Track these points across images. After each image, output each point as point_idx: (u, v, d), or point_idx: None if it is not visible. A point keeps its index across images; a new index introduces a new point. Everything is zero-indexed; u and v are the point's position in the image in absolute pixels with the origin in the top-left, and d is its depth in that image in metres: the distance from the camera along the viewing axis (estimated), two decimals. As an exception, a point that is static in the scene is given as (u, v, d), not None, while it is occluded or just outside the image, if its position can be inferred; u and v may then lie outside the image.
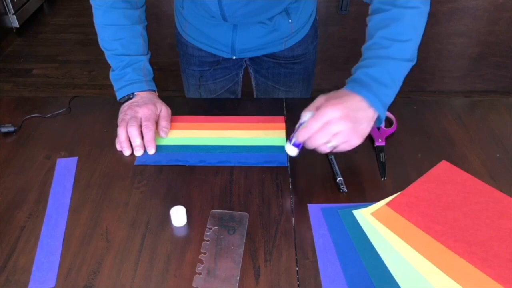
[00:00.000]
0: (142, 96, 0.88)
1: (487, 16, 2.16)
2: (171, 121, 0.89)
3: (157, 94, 0.92)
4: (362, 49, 0.76)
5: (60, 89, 2.58)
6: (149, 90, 0.89)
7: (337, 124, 0.66)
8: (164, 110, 0.88)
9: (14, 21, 2.98)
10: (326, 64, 2.33)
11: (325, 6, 2.14)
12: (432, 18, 2.15)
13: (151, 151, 0.81)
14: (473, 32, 2.22)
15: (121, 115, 0.85)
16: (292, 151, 0.73)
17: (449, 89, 2.43)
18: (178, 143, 0.85)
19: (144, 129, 0.82)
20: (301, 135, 0.69)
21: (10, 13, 2.93)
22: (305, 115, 0.71)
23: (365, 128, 0.69)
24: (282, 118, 0.90)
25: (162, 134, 0.85)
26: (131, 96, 0.88)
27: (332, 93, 0.71)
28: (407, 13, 0.73)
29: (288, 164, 0.79)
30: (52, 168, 0.79)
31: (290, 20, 0.98)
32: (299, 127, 0.71)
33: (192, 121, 0.90)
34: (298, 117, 0.90)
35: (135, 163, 0.80)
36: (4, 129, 0.86)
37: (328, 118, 0.66)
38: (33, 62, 2.84)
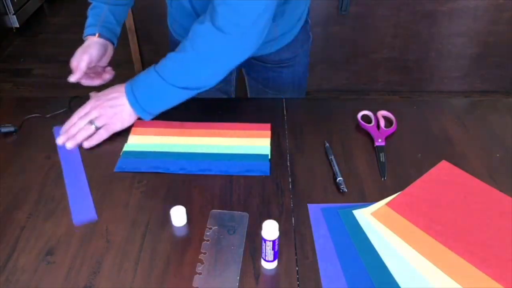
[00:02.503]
0: (89, 40, 0.94)
1: (487, 16, 2.16)
2: (153, 125, 0.86)
3: (97, 37, 0.94)
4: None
5: (60, 89, 2.58)
6: (99, 33, 0.95)
7: (94, 111, 0.83)
8: (105, 57, 0.96)
9: (14, 21, 2.97)
10: (326, 64, 2.33)
11: (325, 6, 2.13)
12: (432, 18, 2.15)
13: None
14: (473, 32, 2.21)
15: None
16: (270, 265, 0.62)
17: (449, 89, 2.43)
18: (159, 150, 0.82)
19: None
20: (66, 125, 0.84)
21: (10, 13, 2.92)
22: None
23: (123, 117, 0.83)
24: (268, 125, 0.87)
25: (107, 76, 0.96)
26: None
27: (106, 90, 0.87)
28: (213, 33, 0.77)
29: (270, 174, 0.77)
30: (52, 168, 0.79)
31: (275, 23, 0.98)
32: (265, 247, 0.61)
33: (175, 127, 0.87)
34: (297, 118, 0.90)
35: (115, 170, 0.78)
36: (4, 129, 0.86)
37: (87, 109, 0.84)
38: (33, 62, 2.83)
